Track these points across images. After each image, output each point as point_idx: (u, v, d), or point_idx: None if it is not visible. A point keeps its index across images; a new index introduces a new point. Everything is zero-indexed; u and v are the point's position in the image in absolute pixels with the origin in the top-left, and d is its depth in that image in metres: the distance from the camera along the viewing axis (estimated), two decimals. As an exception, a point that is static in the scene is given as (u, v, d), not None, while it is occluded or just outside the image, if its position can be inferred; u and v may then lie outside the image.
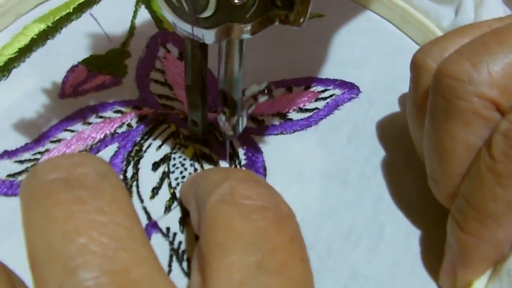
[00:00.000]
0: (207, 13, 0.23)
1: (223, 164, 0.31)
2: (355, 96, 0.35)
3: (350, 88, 0.36)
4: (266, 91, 0.29)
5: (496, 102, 0.24)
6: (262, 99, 0.29)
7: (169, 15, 0.24)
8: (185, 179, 0.30)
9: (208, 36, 0.24)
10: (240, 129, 0.29)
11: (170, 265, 0.26)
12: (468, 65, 0.25)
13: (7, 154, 0.30)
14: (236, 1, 0.22)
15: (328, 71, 0.37)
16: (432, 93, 0.26)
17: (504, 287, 0.24)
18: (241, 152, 0.31)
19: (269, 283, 0.17)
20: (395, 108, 0.35)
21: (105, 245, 0.15)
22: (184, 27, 0.24)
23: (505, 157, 0.23)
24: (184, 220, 0.28)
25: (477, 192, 0.24)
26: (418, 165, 0.30)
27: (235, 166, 0.31)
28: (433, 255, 0.28)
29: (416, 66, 0.29)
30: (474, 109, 0.24)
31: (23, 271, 0.17)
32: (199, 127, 0.30)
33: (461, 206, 0.25)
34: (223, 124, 0.28)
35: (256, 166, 0.31)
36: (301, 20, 0.24)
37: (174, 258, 0.26)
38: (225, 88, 0.27)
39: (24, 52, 0.35)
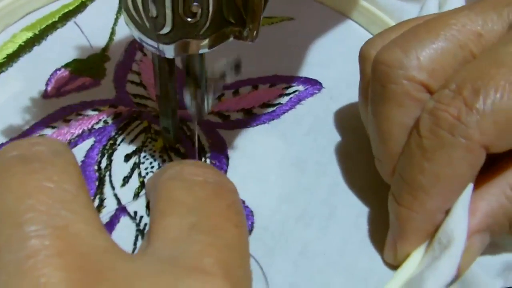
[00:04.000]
0: (165, 30, 0.25)
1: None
2: (317, 91, 0.38)
3: (313, 84, 0.38)
4: (234, 68, 0.30)
5: (426, 84, 0.27)
6: (230, 77, 0.29)
7: (134, 32, 0.27)
8: (154, 169, 0.32)
9: (168, 51, 0.26)
10: (206, 109, 0.30)
11: (135, 243, 0.29)
12: (399, 52, 0.27)
13: (-6, 149, 0.33)
14: (189, 19, 0.25)
15: (294, 70, 0.40)
16: (371, 80, 0.29)
17: (437, 255, 0.27)
18: (206, 145, 0.34)
19: (199, 240, 0.20)
20: (355, 102, 0.37)
21: (50, 205, 0.18)
22: (148, 42, 0.27)
23: (430, 133, 0.26)
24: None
25: (408, 167, 0.27)
26: (371, 152, 0.33)
27: (201, 158, 0.33)
28: (381, 233, 0.30)
29: (362, 57, 0.32)
30: (405, 91, 0.27)
31: None
32: (171, 134, 0.33)
33: (396, 182, 0.28)
34: (189, 103, 0.29)
35: (220, 157, 0.33)
36: (254, 36, 0.26)
37: (139, 237, 0.29)
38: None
39: (12, 58, 0.38)
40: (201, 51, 0.27)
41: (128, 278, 0.17)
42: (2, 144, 0.33)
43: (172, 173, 0.23)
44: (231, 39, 0.27)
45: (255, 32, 0.26)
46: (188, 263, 0.18)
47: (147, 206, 0.31)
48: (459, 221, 0.26)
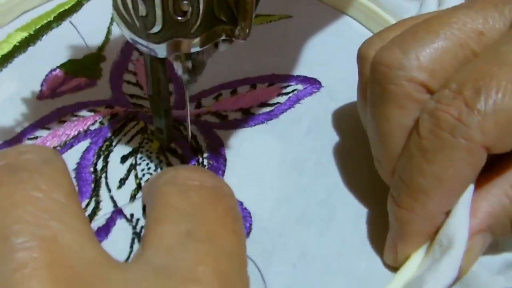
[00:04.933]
0: (156, 29, 0.25)
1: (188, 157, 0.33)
2: (316, 90, 0.38)
3: (312, 83, 0.38)
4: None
5: (426, 84, 0.26)
6: (223, 46, 0.28)
7: (126, 32, 0.27)
8: (150, 171, 0.32)
9: (160, 50, 0.26)
10: (197, 75, 0.29)
11: (131, 246, 0.29)
12: (399, 52, 0.27)
13: (-12, 151, 0.33)
14: (179, 18, 0.25)
15: (293, 69, 0.39)
16: (370, 81, 0.29)
17: (437, 257, 0.26)
18: (204, 145, 0.34)
19: (195, 248, 0.19)
20: (355, 101, 0.37)
21: (38, 216, 0.17)
22: (140, 42, 0.27)
23: (430, 134, 0.25)
24: (147, 207, 0.30)
25: (408, 169, 0.26)
26: (371, 153, 0.32)
27: (198, 159, 0.33)
28: (381, 234, 0.30)
29: (360, 57, 0.31)
30: (405, 92, 0.27)
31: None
32: (164, 134, 0.32)
33: (396, 183, 0.27)
34: (179, 69, 0.29)
35: (218, 158, 0.33)
36: (246, 34, 0.26)
37: (135, 240, 0.29)
38: None
39: (6, 59, 0.38)
40: (192, 50, 0.26)
41: None
42: (2, 144, 0.33)
43: (168, 178, 0.23)
44: (223, 37, 0.27)
45: (247, 30, 0.26)
46: (182, 272, 0.18)
47: (144, 209, 0.30)
48: (460, 222, 0.26)
